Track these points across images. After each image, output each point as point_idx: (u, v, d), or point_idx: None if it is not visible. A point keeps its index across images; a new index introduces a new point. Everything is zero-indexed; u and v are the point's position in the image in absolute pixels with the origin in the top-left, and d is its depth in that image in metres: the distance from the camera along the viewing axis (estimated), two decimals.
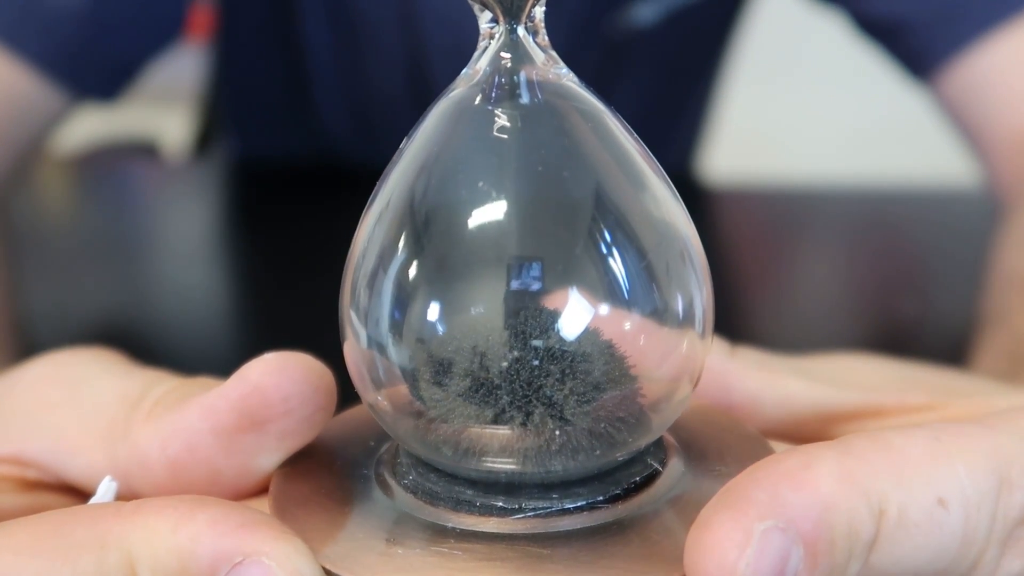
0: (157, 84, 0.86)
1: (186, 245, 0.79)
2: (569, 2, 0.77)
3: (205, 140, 1.13)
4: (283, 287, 0.66)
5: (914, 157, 1.16)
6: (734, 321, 0.58)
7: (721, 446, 0.25)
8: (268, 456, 0.24)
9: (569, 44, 0.75)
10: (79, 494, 0.26)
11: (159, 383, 0.26)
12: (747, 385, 0.28)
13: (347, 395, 0.25)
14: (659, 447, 0.25)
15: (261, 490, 0.25)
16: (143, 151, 1.34)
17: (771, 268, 0.72)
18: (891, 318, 0.65)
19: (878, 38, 0.69)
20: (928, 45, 0.65)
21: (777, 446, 0.26)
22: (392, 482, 0.24)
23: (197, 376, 0.27)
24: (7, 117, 0.61)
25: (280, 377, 0.24)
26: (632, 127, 0.25)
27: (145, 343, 0.59)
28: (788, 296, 0.68)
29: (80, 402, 0.26)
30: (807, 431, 0.28)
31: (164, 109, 1.65)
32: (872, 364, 0.30)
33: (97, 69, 0.65)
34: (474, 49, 0.25)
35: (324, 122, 0.86)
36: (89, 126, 1.04)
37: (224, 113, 0.98)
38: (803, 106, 1.99)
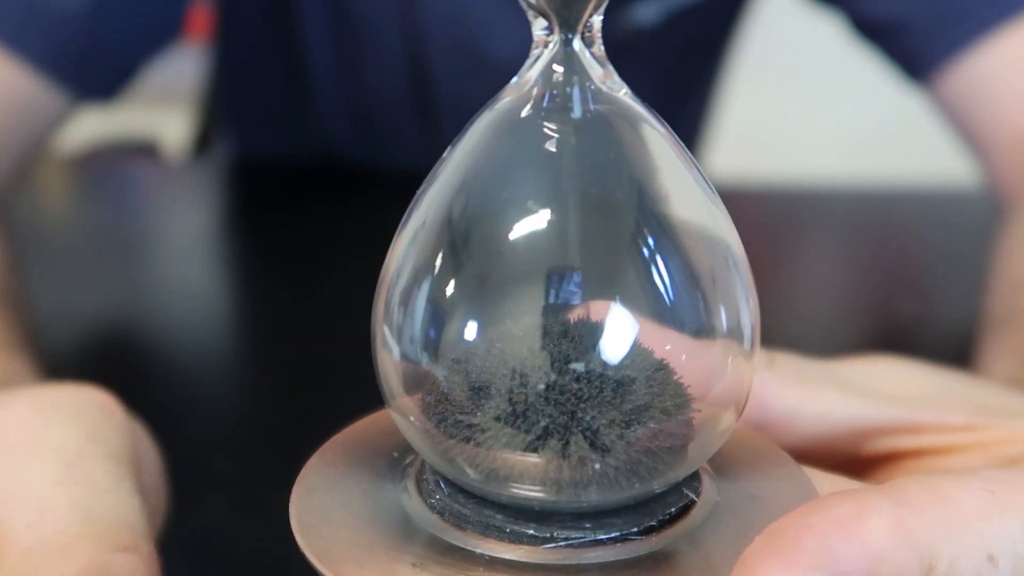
0: (157, 84, 0.86)
1: (186, 245, 0.79)
2: None
3: (205, 140, 1.13)
4: (283, 287, 0.66)
5: (914, 157, 1.16)
6: None
7: (754, 472, 0.25)
8: None
9: None
10: None
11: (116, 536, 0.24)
12: (784, 400, 0.28)
13: (370, 400, 0.25)
14: (693, 474, 0.24)
15: None
16: (143, 151, 1.34)
17: (771, 269, 0.72)
18: (892, 318, 0.65)
19: (876, 40, 0.69)
20: (926, 47, 0.65)
21: (812, 474, 0.25)
22: (419, 500, 0.23)
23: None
24: (10, 118, 0.61)
25: None
26: None
27: (145, 343, 0.59)
28: (788, 297, 0.68)
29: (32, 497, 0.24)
30: (842, 447, 0.28)
31: (164, 109, 1.64)
32: (910, 372, 0.30)
33: (98, 70, 0.65)
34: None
35: (324, 122, 0.86)
36: (89, 126, 1.03)
37: (224, 113, 0.98)
38: (804, 106, 1.99)
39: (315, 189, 0.83)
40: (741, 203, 0.86)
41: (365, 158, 0.85)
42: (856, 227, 0.83)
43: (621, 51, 0.81)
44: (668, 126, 0.24)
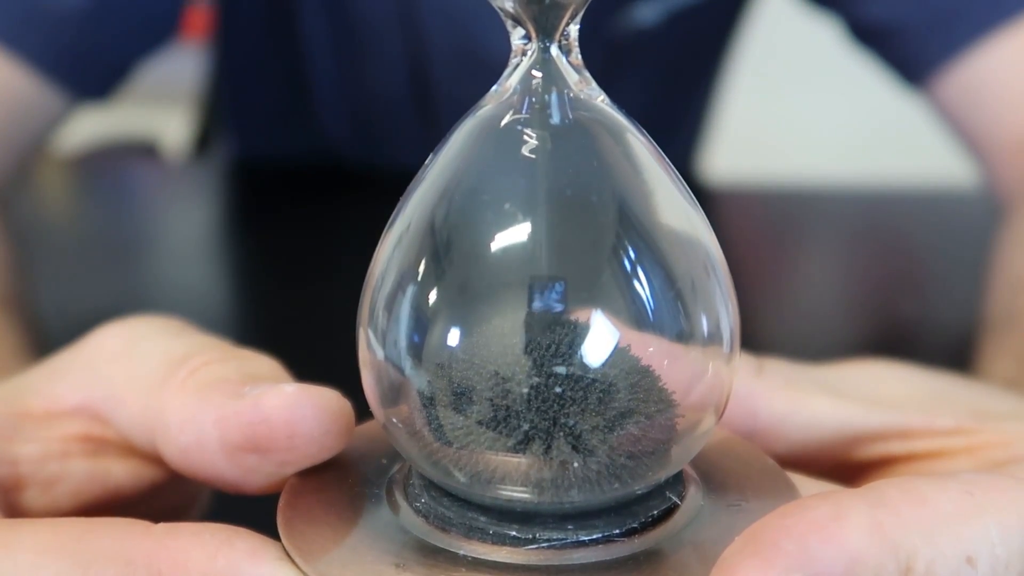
0: (156, 84, 0.86)
1: (186, 245, 0.79)
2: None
3: (205, 140, 1.13)
4: (283, 288, 0.66)
5: (913, 158, 1.16)
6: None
7: (741, 479, 0.25)
8: (268, 475, 0.25)
9: None
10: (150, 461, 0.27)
11: (203, 351, 0.26)
12: (774, 408, 0.28)
13: (361, 409, 0.25)
14: (677, 478, 0.24)
15: (262, 490, 0.25)
16: (143, 151, 1.34)
17: (771, 269, 0.72)
18: (891, 319, 0.65)
19: (873, 44, 0.69)
20: (922, 51, 0.65)
21: (800, 481, 0.26)
22: (404, 504, 0.23)
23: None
24: (9, 119, 0.61)
25: (291, 414, 0.24)
26: None
27: None
28: (788, 298, 0.68)
29: (132, 356, 0.27)
30: (833, 453, 0.28)
31: (164, 109, 1.65)
32: (900, 376, 0.30)
33: (95, 70, 0.65)
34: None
35: (324, 123, 0.87)
36: (89, 126, 1.04)
37: (224, 113, 0.98)
38: (803, 107, 1.99)
39: (315, 189, 0.83)
40: (740, 203, 0.86)
41: (365, 158, 0.85)
42: (855, 228, 0.83)
43: (621, 51, 0.82)
44: (645, 132, 0.24)
